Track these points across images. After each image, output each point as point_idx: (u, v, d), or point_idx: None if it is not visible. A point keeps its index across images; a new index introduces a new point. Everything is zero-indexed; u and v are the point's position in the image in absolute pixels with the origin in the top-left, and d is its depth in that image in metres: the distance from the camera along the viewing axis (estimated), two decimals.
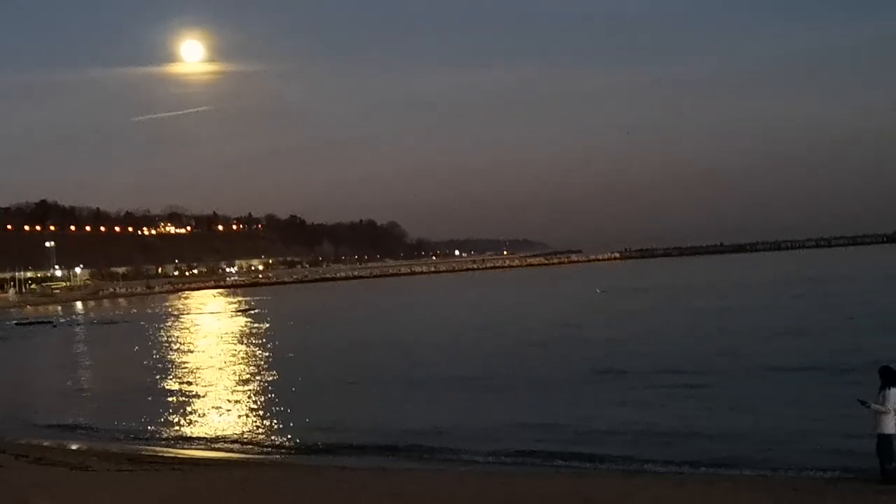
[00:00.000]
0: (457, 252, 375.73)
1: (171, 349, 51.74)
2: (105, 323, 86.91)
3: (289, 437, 23.21)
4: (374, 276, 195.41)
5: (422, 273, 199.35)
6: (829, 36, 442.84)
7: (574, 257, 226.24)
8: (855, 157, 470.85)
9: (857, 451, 16.15)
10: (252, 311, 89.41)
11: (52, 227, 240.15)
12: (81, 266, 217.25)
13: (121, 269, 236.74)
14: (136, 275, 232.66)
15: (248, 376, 36.76)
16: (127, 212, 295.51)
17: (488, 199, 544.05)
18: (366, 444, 21.39)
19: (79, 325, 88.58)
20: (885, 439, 13.95)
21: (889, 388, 13.96)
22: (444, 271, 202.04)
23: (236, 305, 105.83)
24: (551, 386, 28.59)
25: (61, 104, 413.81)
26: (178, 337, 61.83)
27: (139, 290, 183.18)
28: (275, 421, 25.53)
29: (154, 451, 22.62)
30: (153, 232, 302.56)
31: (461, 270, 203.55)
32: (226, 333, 62.47)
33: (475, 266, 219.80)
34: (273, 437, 23.47)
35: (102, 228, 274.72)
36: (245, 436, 24.06)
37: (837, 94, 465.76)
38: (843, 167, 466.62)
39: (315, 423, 24.39)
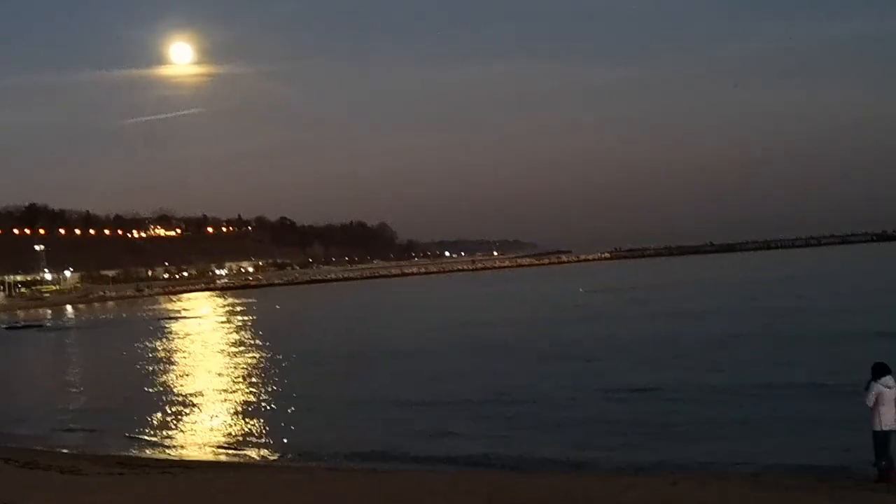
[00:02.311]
0: (447, 253, 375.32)
1: (160, 353, 51.52)
2: (95, 326, 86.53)
3: (280, 440, 23.10)
4: (365, 278, 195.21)
5: (412, 274, 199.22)
6: (817, 31, 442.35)
7: (564, 257, 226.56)
8: (845, 156, 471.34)
9: (850, 448, 16.15)
10: (242, 314, 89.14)
11: (41, 231, 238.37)
12: (71, 269, 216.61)
13: (111, 272, 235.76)
14: (125, 278, 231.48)
15: (237, 380, 36.64)
16: (116, 215, 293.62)
17: (478, 199, 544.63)
18: (357, 449, 21.28)
19: (69, 328, 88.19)
20: (876, 436, 13.88)
21: (873, 382, 13.90)
22: (434, 272, 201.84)
23: (226, 308, 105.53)
24: (532, 390, 28.18)
25: (49, 107, 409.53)
26: (167, 340, 61.59)
27: (129, 293, 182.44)
28: (265, 425, 25.38)
29: (145, 454, 22.53)
30: (143, 235, 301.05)
31: (451, 271, 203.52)
32: (216, 337, 62.27)
33: (465, 267, 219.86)
34: (264, 441, 23.35)
35: (92, 231, 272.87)
36: (236, 439, 23.94)
37: (828, 91, 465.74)
38: (833, 166, 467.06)
39: (306, 428, 24.33)
